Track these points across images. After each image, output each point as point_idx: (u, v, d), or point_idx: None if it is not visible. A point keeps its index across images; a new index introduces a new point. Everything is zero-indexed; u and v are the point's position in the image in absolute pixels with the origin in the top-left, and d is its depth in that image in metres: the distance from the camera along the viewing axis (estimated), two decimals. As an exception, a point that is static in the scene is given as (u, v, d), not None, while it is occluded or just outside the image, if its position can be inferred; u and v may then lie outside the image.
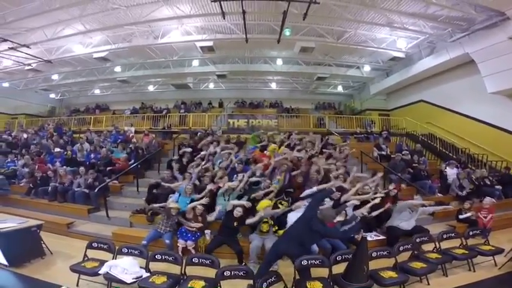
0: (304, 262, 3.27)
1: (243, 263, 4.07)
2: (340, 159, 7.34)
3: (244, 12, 7.98)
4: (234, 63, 14.39)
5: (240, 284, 3.17)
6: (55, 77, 15.14)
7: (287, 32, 9.84)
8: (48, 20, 9.30)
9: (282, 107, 16.70)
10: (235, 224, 4.37)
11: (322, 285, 3.07)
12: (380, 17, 9.36)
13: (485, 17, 8.13)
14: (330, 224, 4.19)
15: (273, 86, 17.75)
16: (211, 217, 4.89)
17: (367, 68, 13.98)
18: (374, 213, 4.93)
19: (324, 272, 3.32)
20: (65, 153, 8.47)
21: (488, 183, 7.25)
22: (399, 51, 11.37)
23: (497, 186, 7.19)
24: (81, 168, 7.01)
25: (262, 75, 16.22)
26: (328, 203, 4.71)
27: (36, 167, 7.74)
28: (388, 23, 9.56)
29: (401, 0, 8.20)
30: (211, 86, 17.81)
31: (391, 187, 5.79)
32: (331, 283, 3.17)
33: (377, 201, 4.90)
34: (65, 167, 7.56)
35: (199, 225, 4.57)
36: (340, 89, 17.76)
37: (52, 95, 18.64)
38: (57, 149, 8.71)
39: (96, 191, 6.22)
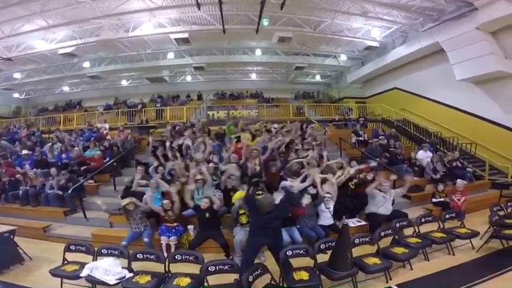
0: (289, 252, 3.30)
1: (230, 257, 4.05)
2: (316, 145, 7.43)
3: (221, 2, 7.77)
4: (211, 54, 14.05)
5: (227, 278, 3.15)
6: (17, 75, 14.02)
7: (265, 22, 9.79)
8: (5, 16, 8.56)
9: (262, 97, 16.66)
10: (207, 215, 4.31)
11: (308, 274, 3.11)
12: (355, 7, 9.49)
13: (455, 8, 8.46)
14: (300, 210, 4.35)
15: (253, 76, 17.59)
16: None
17: (343, 57, 14.28)
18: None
19: (307, 261, 3.36)
20: (35, 154, 7.95)
21: (460, 165, 7.61)
22: (374, 40, 11.66)
23: (469, 169, 7.60)
24: (53, 170, 6.64)
25: (242, 66, 16.00)
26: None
27: (4, 170, 7.24)
28: (363, 12, 9.73)
29: (375, -10, 8.34)
30: (189, 78, 17.34)
31: (351, 170, 5.65)
32: (317, 272, 3.21)
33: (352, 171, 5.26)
34: (35, 169, 7.15)
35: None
36: (318, 78, 17.99)
37: (16, 95, 17.24)
38: (25, 151, 8.16)
39: (70, 192, 5.93)
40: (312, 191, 4.82)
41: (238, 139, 7.51)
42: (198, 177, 5.00)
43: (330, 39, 11.97)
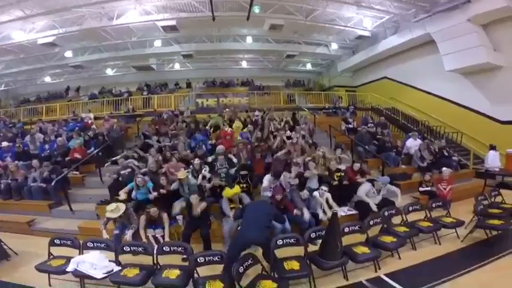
0: (280, 242, 3.28)
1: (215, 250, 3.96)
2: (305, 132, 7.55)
3: (210, -12, 7.46)
4: (201, 42, 13.70)
5: (218, 268, 3.11)
6: (-6, 67, 13.34)
7: (256, 9, 9.53)
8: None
9: (253, 85, 16.50)
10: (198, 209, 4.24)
11: (299, 264, 3.11)
12: (349, -4, 9.33)
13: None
14: (290, 207, 4.36)
15: (244, 64, 17.29)
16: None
17: (334, 46, 14.18)
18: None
19: (298, 250, 3.35)
20: (16, 146, 7.61)
21: (446, 154, 7.74)
22: (365, 30, 11.61)
23: (454, 157, 7.73)
24: (35, 161, 6.40)
25: (232, 53, 15.71)
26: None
27: (-17, 164, 6.91)
28: (355, 1, 9.63)
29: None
30: (177, 66, 16.91)
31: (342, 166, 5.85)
32: (308, 261, 3.21)
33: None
34: (16, 161, 6.85)
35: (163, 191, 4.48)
36: (309, 66, 17.94)
37: (-6, 86, 16.50)
38: (5, 143, 7.81)
39: (53, 184, 5.72)
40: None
41: (217, 128, 7.48)
42: (180, 176, 4.86)
43: (322, 28, 11.83)
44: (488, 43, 8.55)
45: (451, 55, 9.10)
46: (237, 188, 4.56)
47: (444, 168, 6.01)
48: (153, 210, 4.28)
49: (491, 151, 7.77)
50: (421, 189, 6.11)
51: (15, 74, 14.75)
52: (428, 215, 4.46)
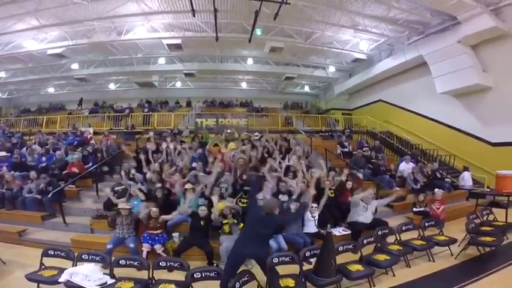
0: (275, 260, 3.29)
1: (215, 264, 3.99)
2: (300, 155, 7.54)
3: (216, 10, 7.85)
4: (203, 61, 14.16)
5: (212, 285, 3.09)
6: (2, 74, 13.63)
7: (258, 32, 9.92)
8: (-1, 13, 8.37)
9: (251, 106, 16.78)
10: (201, 223, 4.31)
11: (294, 281, 3.10)
12: (346, 19, 9.86)
13: (439, 21, 8.94)
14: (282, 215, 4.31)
15: (243, 85, 17.74)
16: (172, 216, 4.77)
17: (332, 69, 14.68)
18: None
19: (293, 268, 3.35)
20: (14, 157, 7.62)
21: (439, 176, 7.94)
22: (361, 52, 12.11)
23: (447, 179, 7.93)
24: (32, 173, 6.37)
25: (233, 74, 16.12)
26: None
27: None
28: (352, 25, 10.11)
29: (366, 3, 8.71)
30: (179, 84, 17.31)
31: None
32: (303, 279, 3.22)
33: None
34: (12, 171, 6.84)
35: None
36: (307, 89, 18.35)
37: (-3, 94, 16.72)
38: (3, 153, 7.81)
39: (49, 196, 5.71)
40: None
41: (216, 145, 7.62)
42: (188, 186, 5.01)
43: (320, 51, 12.29)
44: (477, 64, 8.82)
45: (443, 77, 9.38)
46: (220, 204, 4.65)
47: (437, 190, 6.14)
48: (154, 210, 4.36)
49: (466, 172, 8.34)
50: (414, 209, 6.20)
51: (21, 82, 15.01)
52: (422, 234, 4.52)
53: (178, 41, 10.52)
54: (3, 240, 4.99)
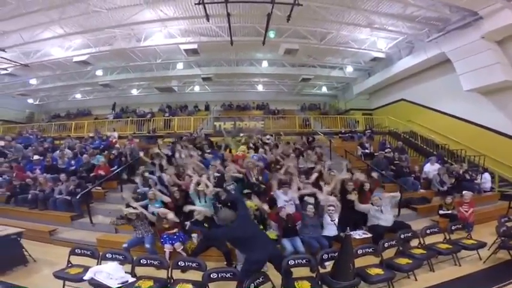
0: (291, 262, 3.29)
1: (234, 265, 4.04)
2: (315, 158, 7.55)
3: (229, 14, 7.97)
4: (219, 65, 14.35)
5: (228, 285, 3.15)
6: (33, 81, 14.56)
7: (271, 34, 9.96)
8: (25, 22, 8.98)
9: (268, 108, 16.79)
10: (205, 225, 4.37)
11: (310, 284, 3.09)
12: (361, 18, 9.60)
13: (459, 17, 8.48)
14: (297, 217, 4.47)
15: (260, 88, 17.82)
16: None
17: (349, 69, 14.35)
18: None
19: (309, 272, 3.36)
20: (46, 160, 8.16)
21: (468, 177, 7.49)
22: (379, 51, 11.75)
23: (477, 181, 7.47)
24: (63, 176, 6.82)
25: (249, 77, 16.23)
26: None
27: (15, 174, 7.45)
28: (368, 23, 9.83)
29: (381, 1, 8.46)
30: (197, 89, 17.68)
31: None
32: (319, 282, 3.19)
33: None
34: (45, 174, 7.34)
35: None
36: (324, 89, 18.09)
37: (30, 100, 17.88)
38: (36, 157, 8.38)
39: (78, 197, 6.06)
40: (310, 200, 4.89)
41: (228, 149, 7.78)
42: (201, 187, 5.08)
43: (336, 51, 12.08)
44: (504, 60, 8.32)
45: (468, 74, 8.90)
46: (251, 203, 4.66)
47: (465, 192, 5.84)
48: (171, 216, 4.46)
49: (486, 173, 7.89)
50: (441, 212, 5.91)
51: (50, 89, 15.89)
52: (448, 238, 4.33)
53: (195, 46, 10.77)
54: (35, 239, 5.30)
